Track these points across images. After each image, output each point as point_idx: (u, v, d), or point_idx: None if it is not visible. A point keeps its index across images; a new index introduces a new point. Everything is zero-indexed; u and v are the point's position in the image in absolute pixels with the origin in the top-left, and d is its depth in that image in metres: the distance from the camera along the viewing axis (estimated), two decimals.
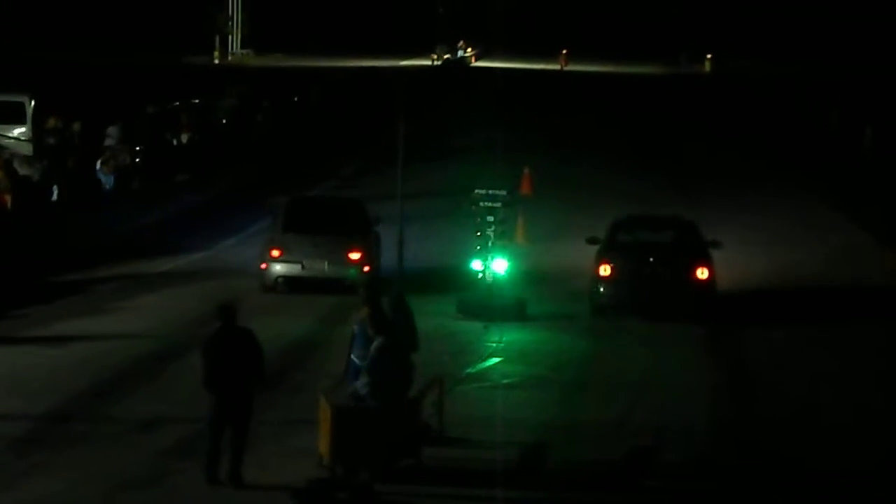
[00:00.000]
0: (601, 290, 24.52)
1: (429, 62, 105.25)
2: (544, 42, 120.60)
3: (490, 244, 23.51)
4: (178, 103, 44.55)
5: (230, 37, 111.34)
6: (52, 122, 33.13)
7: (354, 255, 24.82)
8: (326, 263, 24.93)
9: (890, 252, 31.79)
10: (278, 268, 25.07)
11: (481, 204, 23.55)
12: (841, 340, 23.27)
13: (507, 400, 19.06)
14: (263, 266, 25.23)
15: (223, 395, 14.94)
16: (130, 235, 29.59)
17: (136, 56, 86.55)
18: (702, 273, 24.28)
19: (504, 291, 23.63)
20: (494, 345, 21.95)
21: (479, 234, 23.57)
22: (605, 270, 24.48)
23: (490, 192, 23.62)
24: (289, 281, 25.15)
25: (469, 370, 20.44)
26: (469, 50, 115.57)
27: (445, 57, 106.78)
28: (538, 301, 24.43)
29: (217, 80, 61.42)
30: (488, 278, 23.58)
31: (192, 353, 20.67)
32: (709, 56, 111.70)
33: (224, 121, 43.80)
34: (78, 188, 29.46)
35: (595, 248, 25.11)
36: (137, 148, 34.27)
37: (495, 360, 21.14)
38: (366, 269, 24.27)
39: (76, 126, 33.49)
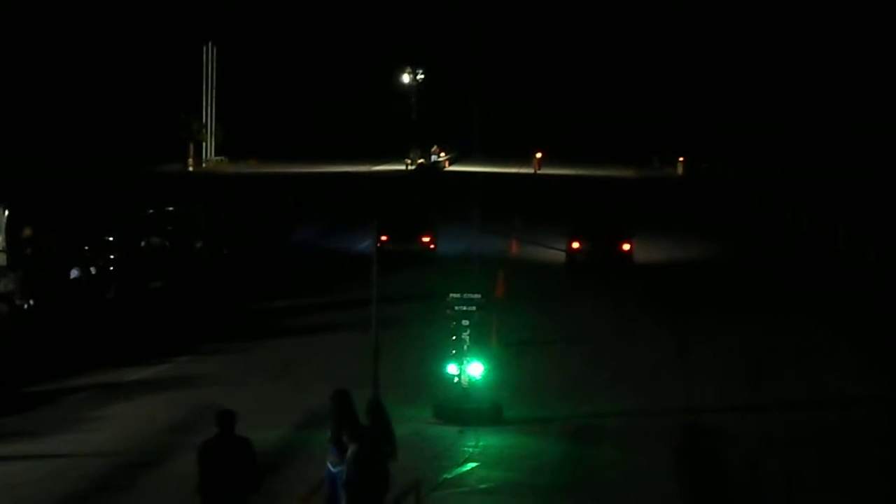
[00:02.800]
0: (574, 256, 46.01)
1: (402, 167, 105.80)
2: (518, 146, 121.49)
3: (465, 348, 23.50)
4: (152, 211, 44.65)
5: (204, 144, 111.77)
6: (27, 233, 33.08)
7: (426, 239, 47.47)
8: (412, 243, 46.44)
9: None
10: (389, 246, 43.46)
11: (456, 308, 23.57)
12: None
13: None
14: (378, 244, 40.54)
15: (215, 502, 14.79)
16: (102, 344, 29.42)
17: (111, 164, 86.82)
18: (626, 246, 46.03)
19: (480, 395, 23.58)
20: (471, 449, 21.85)
21: (454, 338, 23.55)
22: (575, 245, 46.13)
23: (465, 295, 23.66)
24: (395, 252, 42.93)
25: (446, 475, 20.33)
26: (443, 154, 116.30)
27: (419, 162, 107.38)
28: (514, 404, 24.39)
29: (191, 187, 61.58)
30: (464, 382, 23.53)
31: (164, 463, 20.63)
32: (681, 159, 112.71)
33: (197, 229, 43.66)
34: (53, 297, 29.38)
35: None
36: (112, 256, 34.25)
37: (472, 465, 21.04)
38: (432, 246, 47.43)
39: (27, 231, 33.37)
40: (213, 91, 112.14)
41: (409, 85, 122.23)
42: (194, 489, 14.97)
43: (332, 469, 15.92)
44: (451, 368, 23.56)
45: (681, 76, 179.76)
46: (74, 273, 30.93)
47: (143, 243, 37.21)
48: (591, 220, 50.59)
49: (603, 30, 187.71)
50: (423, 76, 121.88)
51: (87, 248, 33.87)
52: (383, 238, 43.48)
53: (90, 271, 31.00)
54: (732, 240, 57.99)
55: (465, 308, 23.48)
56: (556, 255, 48.31)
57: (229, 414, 15.16)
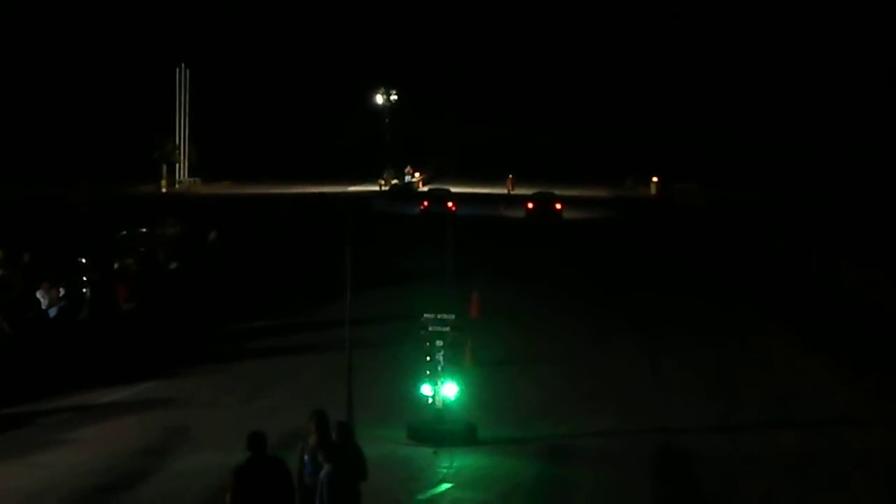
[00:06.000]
0: (529, 212, 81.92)
1: (377, 188, 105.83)
2: (493, 166, 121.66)
3: (440, 368, 23.43)
4: (125, 232, 44.49)
5: (177, 165, 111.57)
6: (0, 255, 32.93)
7: (450, 204, 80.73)
8: (442, 207, 78.14)
9: None
10: (429, 210, 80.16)
11: (430, 328, 23.50)
12: None
13: None
14: (422, 207, 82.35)
15: None
16: (76, 365, 29.20)
17: (83, 186, 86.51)
18: (558, 206, 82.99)
19: (454, 416, 23.52)
20: (445, 470, 21.78)
21: (428, 358, 23.49)
22: (530, 205, 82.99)
23: (439, 316, 23.60)
24: (433, 213, 76.45)
25: (420, 496, 20.26)
26: (417, 175, 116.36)
27: (393, 182, 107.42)
28: (488, 425, 24.32)
29: (164, 208, 61.41)
30: (438, 403, 23.47)
31: (137, 486, 20.50)
32: (654, 179, 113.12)
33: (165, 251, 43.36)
34: (23, 318, 29.14)
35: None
36: (85, 278, 34.03)
37: (446, 485, 20.96)
38: (454, 209, 78.75)
39: (26, 257, 33.28)
40: (187, 112, 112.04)
41: (383, 105, 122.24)
42: None
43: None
44: (426, 389, 23.49)
45: (656, 95, 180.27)
46: (44, 302, 30.54)
47: (115, 265, 36.96)
48: (539, 192, 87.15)
49: (580, 49, 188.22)
50: (396, 97, 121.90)
51: (58, 269, 33.67)
52: (425, 203, 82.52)
53: (60, 292, 30.72)
54: (706, 260, 58.24)
55: (439, 328, 23.42)
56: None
57: (260, 435, 14.88)
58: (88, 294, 32.21)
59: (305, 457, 16.05)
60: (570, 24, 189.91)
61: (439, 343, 23.35)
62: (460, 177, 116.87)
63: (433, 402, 23.46)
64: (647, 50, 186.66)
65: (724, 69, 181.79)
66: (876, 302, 42.91)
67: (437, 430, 23.26)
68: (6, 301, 29.23)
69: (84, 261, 36.42)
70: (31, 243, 35.77)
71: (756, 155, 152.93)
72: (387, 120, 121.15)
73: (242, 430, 23.63)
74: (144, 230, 46.30)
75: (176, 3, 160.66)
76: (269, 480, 14.62)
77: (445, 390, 23.41)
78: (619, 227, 78.63)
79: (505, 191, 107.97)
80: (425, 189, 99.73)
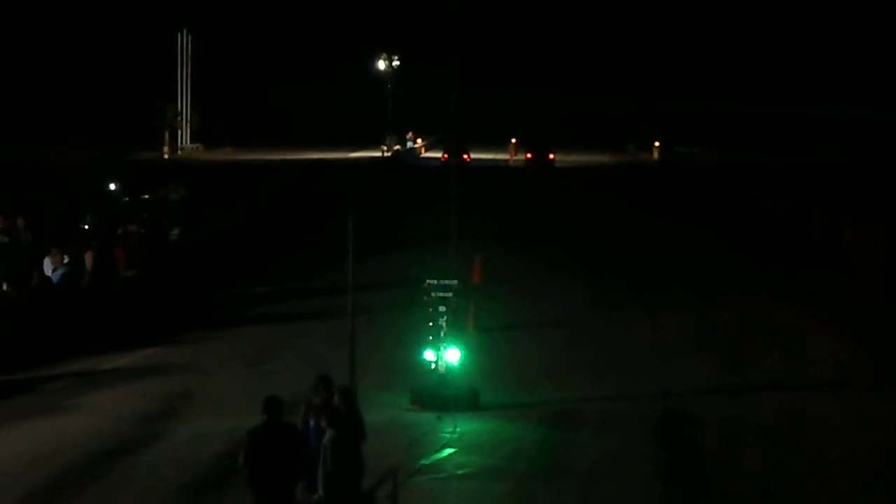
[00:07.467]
0: (528, 160, 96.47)
1: (378, 153, 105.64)
2: (495, 132, 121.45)
3: (442, 334, 23.46)
4: (127, 199, 44.47)
5: (180, 132, 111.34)
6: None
7: (465, 156, 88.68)
8: (459, 158, 75.49)
9: None
10: (448, 162, 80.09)
11: (433, 294, 23.52)
12: None
13: (461, 491, 18.95)
14: (442, 159, 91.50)
15: (264, 492, 14.77)
16: (79, 331, 29.23)
17: (86, 152, 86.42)
18: (551, 156, 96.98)
19: (457, 381, 23.56)
20: (448, 435, 21.82)
21: (431, 324, 23.51)
22: (529, 154, 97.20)
23: (441, 282, 23.62)
24: (450, 165, 67.58)
25: (423, 462, 20.30)
26: (419, 141, 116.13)
27: (395, 148, 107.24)
28: (491, 390, 24.37)
29: (167, 174, 61.35)
30: (441, 368, 23.50)
31: (140, 452, 20.56)
32: (656, 144, 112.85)
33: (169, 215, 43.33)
34: (27, 284, 29.18)
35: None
36: (87, 244, 34.01)
37: (449, 451, 21.01)
38: (468, 160, 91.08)
39: (21, 222, 33.27)
40: (189, 79, 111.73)
41: (385, 71, 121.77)
42: (244, 477, 15.00)
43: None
44: (428, 355, 23.53)
45: (656, 58, 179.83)
46: (49, 268, 30.55)
47: (118, 231, 36.99)
48: (535, 142, 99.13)
49: (577, 13, 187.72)
50: (398, 62, 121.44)
51: (60, 235, 33.67)
52: (444, 156, 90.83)
53: (64, 258, 30.74)
54: (709, 223, 58.24)
55: (441, 294, 23.44)
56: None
57: (277, 400, 15.09)
58: (91, 260, 32.23)
59: (311, 422, 16.11)
60: None
61: (442, 308, 23.38)
62: (464, 142, 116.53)
63: (436, 367, 23.50)
64: (644, 14, 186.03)
65: (721, 31, 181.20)
66: (876, 262, 42.83)
67: (440, 396, 23.31)
68: (9, 267, 29.25)
69: (87, 227, 36.44)
70: (28, 209, 35.76)
71: (756, 116, 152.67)
72: (389, 86, 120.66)
73: (246, 396, 23.86)
74: (147, 196, 46.26)
75: None
76: (281, 445, 14.83)
77: (448, 356, 23.45)
78: (620, 187, 78.34)
79: (508, 156, 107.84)
80: (443, 147, 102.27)
